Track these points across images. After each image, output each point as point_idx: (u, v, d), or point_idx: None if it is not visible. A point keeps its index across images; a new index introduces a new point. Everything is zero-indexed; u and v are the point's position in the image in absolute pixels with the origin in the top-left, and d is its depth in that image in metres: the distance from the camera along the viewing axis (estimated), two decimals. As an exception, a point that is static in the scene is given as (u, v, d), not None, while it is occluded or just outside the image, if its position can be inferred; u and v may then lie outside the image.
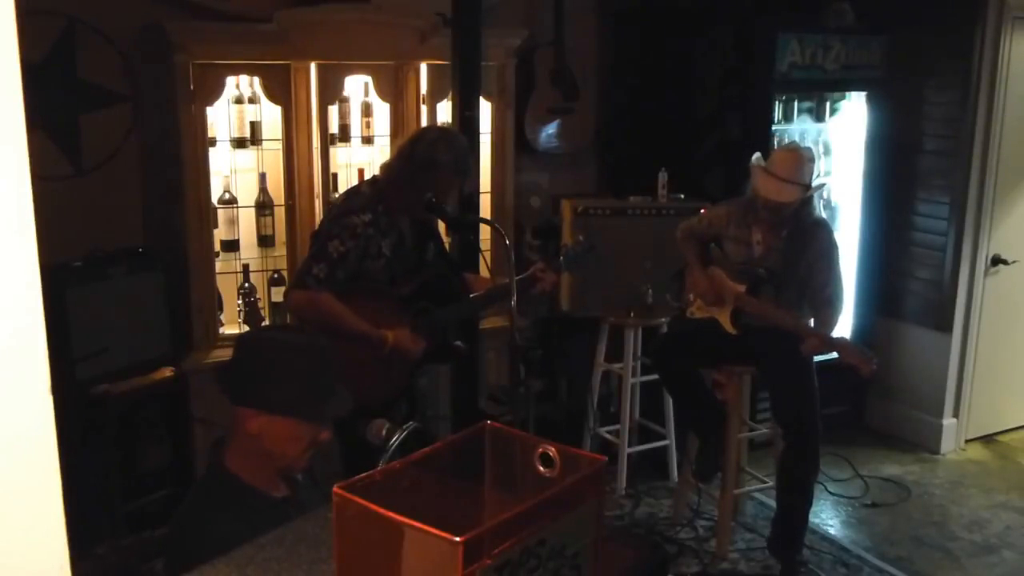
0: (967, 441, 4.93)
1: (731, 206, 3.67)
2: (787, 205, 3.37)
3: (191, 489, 2.04)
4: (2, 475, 0.78)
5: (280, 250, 4.01)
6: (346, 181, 4.06)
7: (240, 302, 3.99)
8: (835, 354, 3.33)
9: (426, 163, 2.97)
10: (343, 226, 2.94)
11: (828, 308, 3.44)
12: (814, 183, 3.46)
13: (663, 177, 4.36)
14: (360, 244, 2.93)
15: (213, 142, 3.81)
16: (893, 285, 4.93)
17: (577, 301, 4.37)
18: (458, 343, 3.26)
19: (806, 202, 3.46)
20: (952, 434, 4.87)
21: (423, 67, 4.03)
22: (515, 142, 4.39)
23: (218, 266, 3.91)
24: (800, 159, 3.39)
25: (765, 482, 3.95)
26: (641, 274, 4.22)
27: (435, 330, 3.10)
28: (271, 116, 3.90)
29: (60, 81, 3.63)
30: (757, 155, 3.50)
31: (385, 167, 3.11)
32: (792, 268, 3.47)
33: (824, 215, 4.88)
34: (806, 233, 3.47)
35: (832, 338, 3.35)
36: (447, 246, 3.41)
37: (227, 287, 3.97)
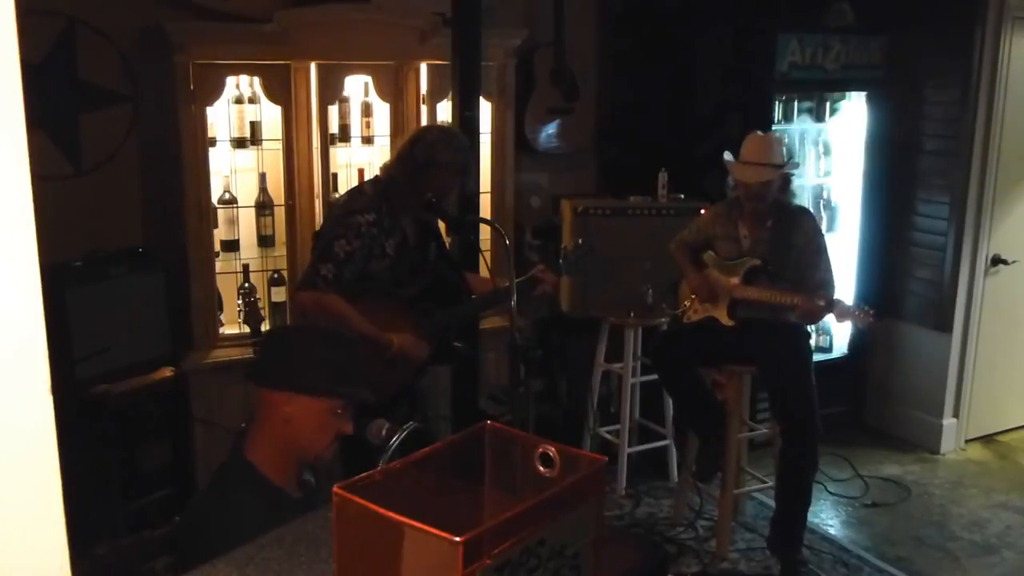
0: (967, 441, 4.93)
1: (716, 208, 3.78)
2: (767, 188, 3.47)
3: (212, 476, 2.07)
4: (2, 475, 0.78)
5: (280, 250, 4.01)
6: (346, 181, 4.06)
7: (240, 302, 3.99)
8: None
9: (426, 164, 2.97)
10: (348, 225, 2.94)
11: (820, 292, 3.46)
12: (787, 163, 3.53)
13: (663, 177, 4.36)
14: (365, 244, 2.94)
15: (213, 142, 3.81)
16: (893, 285, 4.93)
17: (577, 301, 4.37)
18: (458, 344, 3.26)
19: (784, 188, 3.56)
20: (952, 434, 4.87)
21: (423, 67, 4.03)
22: (515, 142, 4.39)
23: (218, 266, 3.91)
24: (768, 140, 3.52)
25: (765, 482, 3.95)
26: (641, 274, 4.22)
27: (438, 332, 3.11)
28: (271, 116, 3.90)
29: (60, 81, 3.64)
30: (728, 153, 3.59)
31: (385, 167, 3.11)
32: (782, 255, 3.53)
33: (824, 215, 4.91)
34: (790, 220, 3.57)
35: (828, 301, 3.39)
36: (447, 246, 3.41)
37: (227, 287, 3.97)
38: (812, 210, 4.40)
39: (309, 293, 2.92)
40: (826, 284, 3.52)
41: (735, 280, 3.58)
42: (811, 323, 3.48)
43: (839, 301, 3.41)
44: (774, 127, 4.48)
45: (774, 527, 3.64)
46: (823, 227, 4.26)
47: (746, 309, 3.58)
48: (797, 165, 3.75)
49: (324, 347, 2.00)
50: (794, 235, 3.54)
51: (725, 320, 3.59)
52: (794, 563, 3.61)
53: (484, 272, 3.52)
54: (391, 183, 3.03)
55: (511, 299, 2.56)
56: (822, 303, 3.35)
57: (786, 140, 3.66)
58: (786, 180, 3.54)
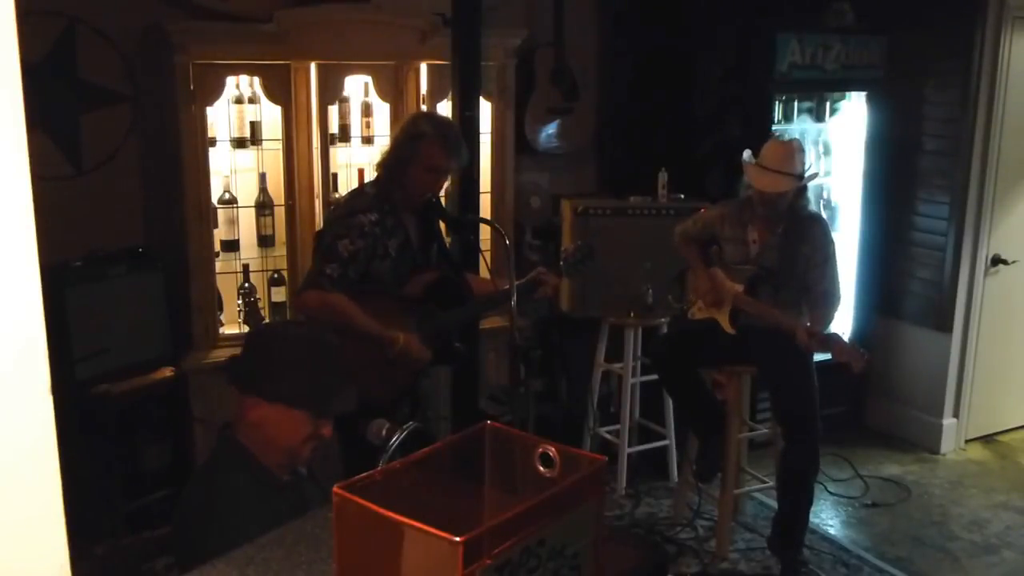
0: (967, 441, 4.93)
1: (725, 207, 3.69)
2: (782, 197, 3.40)
3: (200, 465, 2.07)
4: (2, 475, 0.78)
5: (280, 250, 4.01)
6: (346, 181, 4.06)
7: (240, 302, 3.99)
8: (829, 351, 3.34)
9: (411, 136, 2.98)
10: (350, 225, 2.93)
11: (823, 306, 3.44)
12: (807, 173, 3.47)
13: (663, 177, 4.36)
14: (369, 243, 2.94)
15: (213, 142, 3.80)
16: (893, 285, 4.93)
17: (577, 301, 4.37)
18: (459, 345, 3.26)
19: (800, 195, 3.48)
20: (952, 434, 4.87)
21: (423, 67, 4.03)
22: (515, 142, 4.38)
23: (218, 266, 3.91)
24: (790, 149, 3.42)
25: (765, 482, 3.95)
26: (641, 274, 4.22)
27: (440, 333, 3.10)
28: (271, 116, 3.90)
29: (60, 81, 3.63)
30: (748, 152, 3.52)
31: (380, 162, 3.10)
32: (789, 265, 3.48)
33: (824, 214, 4.89)
34: (802, 228, 3.49)
35: (825, 336, 3.32)
36: (448, 246, 3.41)
37: (227, 287, 3.97)
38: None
39: (314, 293, 2.91)
40: (828, 298, 3.45)
41: (739, 287, 3.53)
42: (809, 352, 3.39)
43: (837, 338, 3.32)
44: (774, 127, 4.47)
45: (774, 527, 3.64)
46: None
47: (748, 317, 3.55)
48: (816, 175, 3.66)
49: (298, 354, 1.96)
50: (804, 245, 3.46)
51: (727, 328, 3.55)
52: (794, 563, 3.61)
53: (484, 273, 3.52)
54: (389, 180, 3.03)
55: (511, 299, 2.57)
56: (820, 337, 3.26)
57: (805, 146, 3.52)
58: (802, 187, 3.46)
